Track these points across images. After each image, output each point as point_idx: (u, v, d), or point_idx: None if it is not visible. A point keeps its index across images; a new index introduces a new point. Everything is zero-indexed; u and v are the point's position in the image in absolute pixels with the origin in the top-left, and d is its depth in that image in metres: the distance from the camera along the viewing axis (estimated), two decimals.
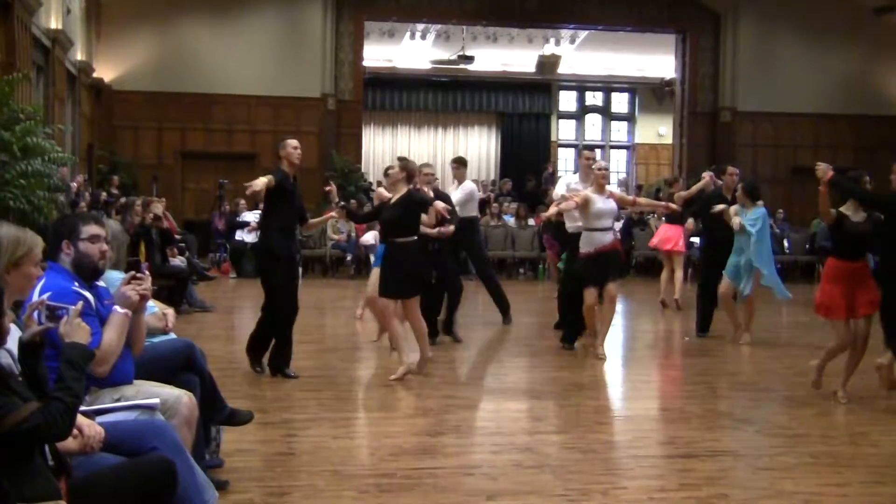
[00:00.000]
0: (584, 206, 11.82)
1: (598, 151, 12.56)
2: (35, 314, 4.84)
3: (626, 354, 13.47)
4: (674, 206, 13.31)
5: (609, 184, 12.23)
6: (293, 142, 10.73)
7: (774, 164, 28.80)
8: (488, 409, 9.80)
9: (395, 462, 7.50)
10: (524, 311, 15.09)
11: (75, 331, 4.65)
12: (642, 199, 11.96)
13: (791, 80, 28.81)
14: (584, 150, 12.59)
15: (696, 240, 20.92)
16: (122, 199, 20.14)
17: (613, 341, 14.19)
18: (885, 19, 28.88)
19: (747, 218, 12.73)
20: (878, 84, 29.69)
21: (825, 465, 7.64)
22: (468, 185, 14.22)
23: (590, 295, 12.03)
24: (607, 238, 11.98)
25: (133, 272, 5.78)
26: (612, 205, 12.02)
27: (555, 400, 10.31)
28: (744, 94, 29.34)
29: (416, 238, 10.65)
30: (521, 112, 36.06)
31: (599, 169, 12.21)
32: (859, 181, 9.96)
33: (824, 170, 9.63)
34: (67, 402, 4.28)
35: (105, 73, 26.34)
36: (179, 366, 6.46)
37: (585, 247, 11.98)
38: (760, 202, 13.08)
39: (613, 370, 12.27)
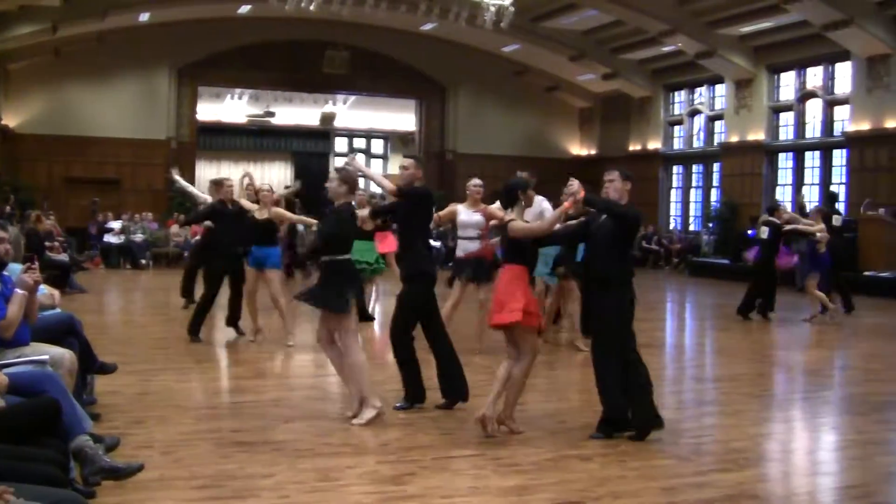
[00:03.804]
0: (452, 217, 10.21)
1: (475, 179, 9.98)
2: None
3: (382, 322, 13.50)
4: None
5: (479, 200, 10.01)
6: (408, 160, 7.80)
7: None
8: (282, 359, 9.78)
9: (221, 398, 7.49)
10: None
11: None
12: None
13: (493, 133, 29.85)
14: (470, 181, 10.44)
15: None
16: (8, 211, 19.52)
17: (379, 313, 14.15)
18: (552, 95, 30.96)
19: None
20: (549, 136, 31.22)
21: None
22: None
23: (456, 291, 10.21)
24: (472, 246, 9.80)
25: (28, 264, 5.64)
26: (476, 217, 9.45)
27: None
28: (462, 141, 30.18)
29: None
30: (309, 152, 35.59)
31: (472, 186, 10.20)
32: (528, 185, 7.67)
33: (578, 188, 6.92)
34: None
35: (10, 120, 25.31)
36: (63, 331, 6.39)
37: (459, 252, 10.32)
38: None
39: (373, 335, 12.40)
